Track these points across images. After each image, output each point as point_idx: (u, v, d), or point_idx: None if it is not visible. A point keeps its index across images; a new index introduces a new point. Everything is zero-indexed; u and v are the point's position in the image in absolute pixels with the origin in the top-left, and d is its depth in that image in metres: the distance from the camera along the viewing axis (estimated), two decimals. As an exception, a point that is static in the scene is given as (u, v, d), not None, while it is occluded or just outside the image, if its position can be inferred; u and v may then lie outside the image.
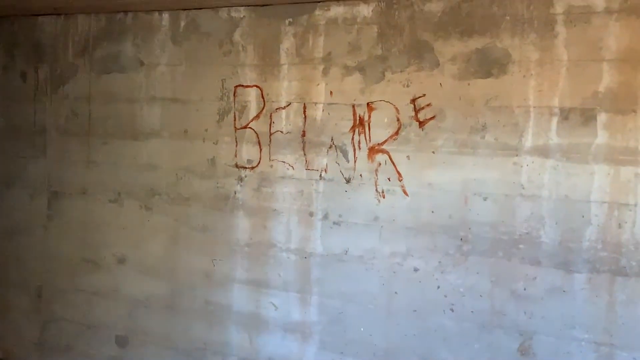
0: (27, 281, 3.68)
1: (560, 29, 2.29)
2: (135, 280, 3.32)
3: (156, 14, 3.16)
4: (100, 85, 3.37)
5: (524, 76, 2.35)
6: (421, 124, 2.54)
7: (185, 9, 3.07)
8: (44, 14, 3.51)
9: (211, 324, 3.10)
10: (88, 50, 3.38)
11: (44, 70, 3.55)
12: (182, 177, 3.14)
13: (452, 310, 2.51)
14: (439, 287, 2.54)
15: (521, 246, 2.38)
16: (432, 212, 2.54)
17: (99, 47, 3.34)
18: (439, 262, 2.53)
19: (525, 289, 2.37)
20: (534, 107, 2.34)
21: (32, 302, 3.67)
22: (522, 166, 2.37)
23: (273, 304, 2.92)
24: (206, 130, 3.06)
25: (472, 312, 2.47)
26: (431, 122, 2.53)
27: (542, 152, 2.32)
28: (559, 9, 2.29)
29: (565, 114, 2.28)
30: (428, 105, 2.53)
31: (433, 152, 2.52)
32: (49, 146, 3.55)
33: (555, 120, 2.30)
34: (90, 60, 3.39)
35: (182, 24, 3.09)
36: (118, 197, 3.34)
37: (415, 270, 2.58)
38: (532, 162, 2.35)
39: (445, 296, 2.52)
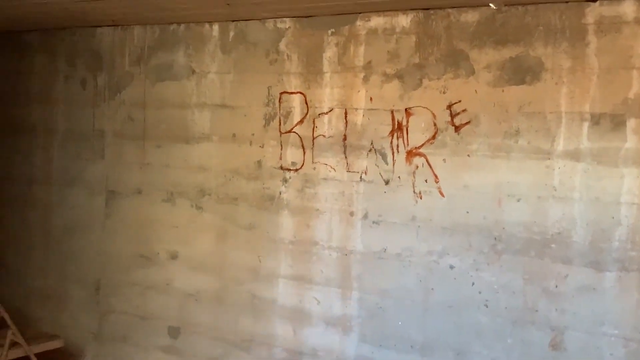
0: (85, 276, 3.99)
1: (591, 38, 2.49)
2: (186, 275, 3.59)
3: (207, 25, 3.45)
4: (154, 92, 3.66)
5: (556, 83, 2.56)
6: (457, 128, 2.77)
7: (234, 20, 3.36)
8: (102, 26, 3.81)
9: (257, 317, 3.35)
10: (143, 59, 3.69)
11: (103, 78, 3.86)
12: (230, 179, 3.42)
13: (486, 306, 2.74)
14: (473, 284, 2.76)
15: (553, 245, 2.59)
16: (467, 212, 2.77)
17: (154, 56, 3.65)
18: (474, 260, 2.76)
19: (556, 287, 2.58)
20: (566, 112, 2.55)
21: (90, 295, 3.97)
22: (554, 169, 2.58)
23: (316, 299, 3.17)
24: (253, 134, 3.33)
25: (505, 308, 2.69)
26: (466, 126, 2.75)
27: (574, 155, 2.53)
28: (590, 19, 2.49)
29: (595, 120, 2.48)
30: (463, 110, 2.75)
31: (468, 156, 2.75)
32: (106, 149, 3.86)
33: (586, 125, 2.51)
34: (145, 69, 3.69)
35: (231, 34, 3.38)
36: (171, 196, 3.63)
37: (451, 267, 2.81)
38: (564, 166, 2.55)
39: (480, 293, 2.75)
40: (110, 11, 3.39)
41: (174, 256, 3.64)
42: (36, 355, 3.69)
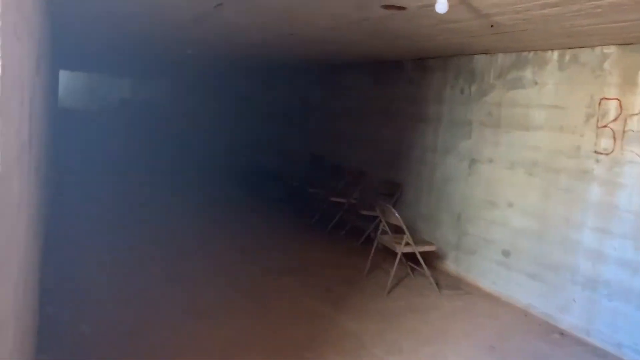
0: (452, 209, 4.68)
1: None
2: (517, 218, 4.02)
3: (549, 52, 3.82)
4: (507, 96, 4.15)
5: None
6: None
7: (570, 48, 3.68)
8: (477, 53, 4.42)
9: (566, 252, 3.63)
10: (502, 75, 4.20)
11: (474, 87, 4.46)
12: (555, 156, 3.72)
13: None
14: None
15: None
16: None
17: (509, 73, 4.14)
18: None
19: None
20: None
21: (454, 221, 4.66)
22: None
23: (613, 246, 3.36)
24: (575, 127, 3.61)
25: None
26: None
27: None
28: None
29: None
30: None
31: None
32: (472, 132, 4.48)
33: None
34: (502, 81, 4.19)
35: (567, 58, 3.71)
36: (511, 165, 4.09)
37: None
38: None
39: None
40: (485, 44, 3.97)
41: (510, 204, 4.09)
42: (419, 253, 4.23)
